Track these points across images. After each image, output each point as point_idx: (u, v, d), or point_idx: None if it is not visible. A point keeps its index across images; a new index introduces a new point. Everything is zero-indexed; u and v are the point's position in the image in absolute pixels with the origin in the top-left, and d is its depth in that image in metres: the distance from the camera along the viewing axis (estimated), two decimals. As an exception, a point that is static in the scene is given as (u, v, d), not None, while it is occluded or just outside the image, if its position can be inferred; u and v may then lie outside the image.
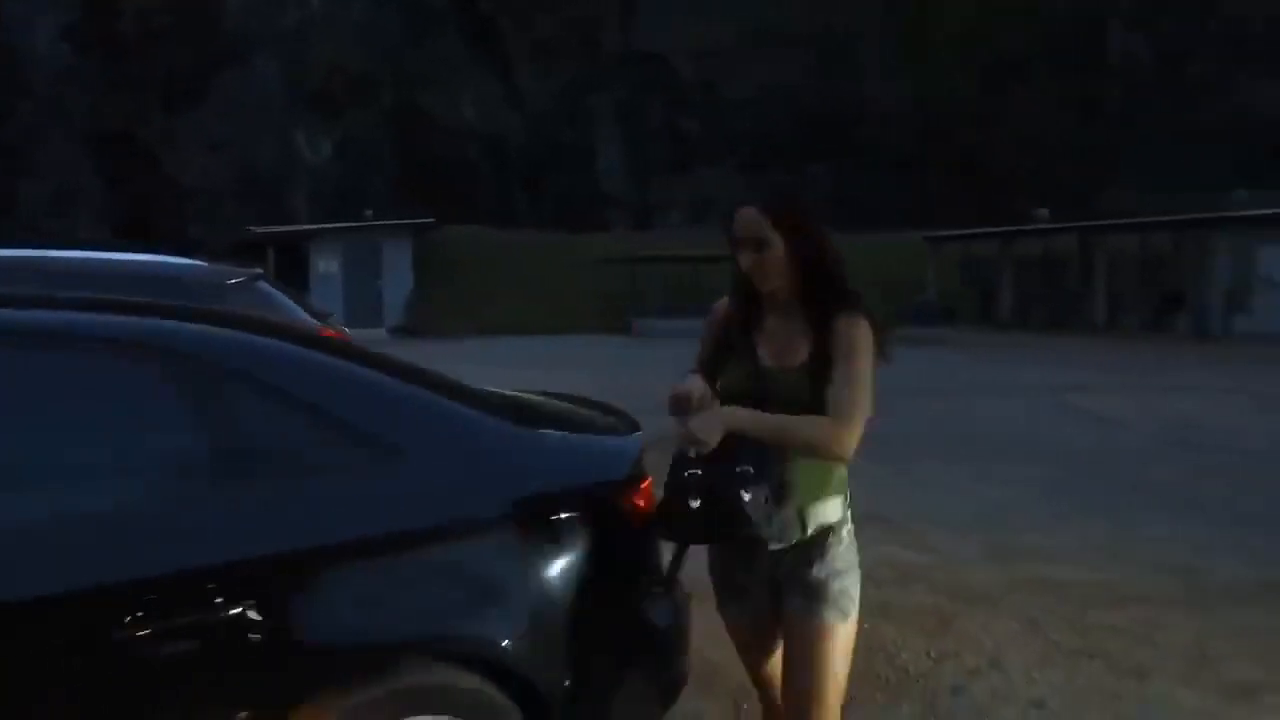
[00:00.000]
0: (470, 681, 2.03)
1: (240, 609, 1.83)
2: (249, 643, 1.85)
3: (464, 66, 62.59)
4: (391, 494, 2.05)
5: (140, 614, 1.79)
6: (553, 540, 2.15)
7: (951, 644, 3.83)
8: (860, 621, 2.24)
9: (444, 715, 1.99)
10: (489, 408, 2.35)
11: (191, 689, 1.86)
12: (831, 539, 2.15)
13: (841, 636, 2.14)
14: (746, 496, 1.95)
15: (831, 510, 2.15)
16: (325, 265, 25.06)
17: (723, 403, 2.08)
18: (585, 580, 2.17)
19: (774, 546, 2.10)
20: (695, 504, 1.99)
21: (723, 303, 2.28)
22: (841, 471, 2.16)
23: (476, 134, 61.66)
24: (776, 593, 2.18)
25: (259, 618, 1.84)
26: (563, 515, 2.17)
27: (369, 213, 28.16)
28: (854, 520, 2.25)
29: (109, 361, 2.01)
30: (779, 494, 2.04)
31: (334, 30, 58.91)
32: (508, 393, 2.65)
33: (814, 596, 2.11)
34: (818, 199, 2.23)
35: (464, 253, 26.38)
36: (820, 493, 2.13)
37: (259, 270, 5.73)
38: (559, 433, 2.44)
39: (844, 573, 2.15)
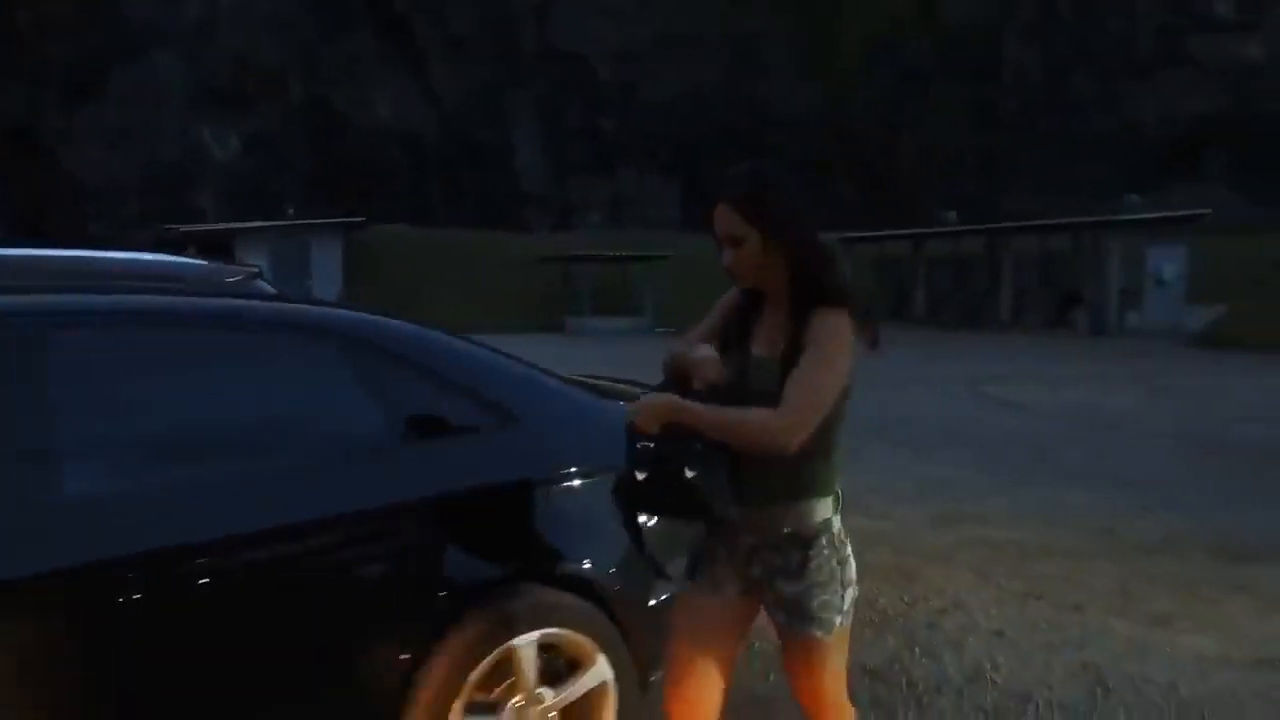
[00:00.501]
0: (570, 600, 2.46)
1: (419, 540, 2.26)
2: (421, 568, 2.26)
3: (377, 63, 61.69)
4: (513, 450, 2.47)
5: (352, 538, 2.21)
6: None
7: (919, 591, 4.39)
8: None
9: (553, 627, 2.42)
10: (573, 384, 2.78)
11: (389, 603, 2.28)
12: (811, 548, 2.00)
13: (828, 648, 2.03)
14: (690, 474, 1.87)
15: (810, 513, 2.00)
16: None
17: (714, 391, 1.96)
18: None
19: (746, 539, 2.04)
20: (641, 476, 1.92)
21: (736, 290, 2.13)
22: (825, 474, 2.00)
23: (391, 131, 60.89)
24: (749, 591, 2.09)
25: (432, 544, 2.24)
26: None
27: (291, 211, 27.81)
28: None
29: (303, 345, 2.41)
30: (735, 480, 1.94)
31: (241, 23, 57.40)
32: (576, 376, 3.09)
33: (793, 613, 2.02)
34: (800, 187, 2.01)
35: (393, 252, 26.31)
36: (795, 492, 1.99)
37: (257, 268, 5.94)
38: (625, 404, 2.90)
39: (825, 584, 2.00)
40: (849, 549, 2.08)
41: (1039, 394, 11.99)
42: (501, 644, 2.34)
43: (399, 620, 2.24)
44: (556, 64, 65.70)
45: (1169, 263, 21.63)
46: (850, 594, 2.07)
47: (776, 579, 2.02)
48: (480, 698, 2.34)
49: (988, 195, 59.74)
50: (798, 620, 2.01)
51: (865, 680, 3.40)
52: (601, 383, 3.16)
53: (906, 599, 4.27)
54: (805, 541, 2.00)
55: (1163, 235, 21.96)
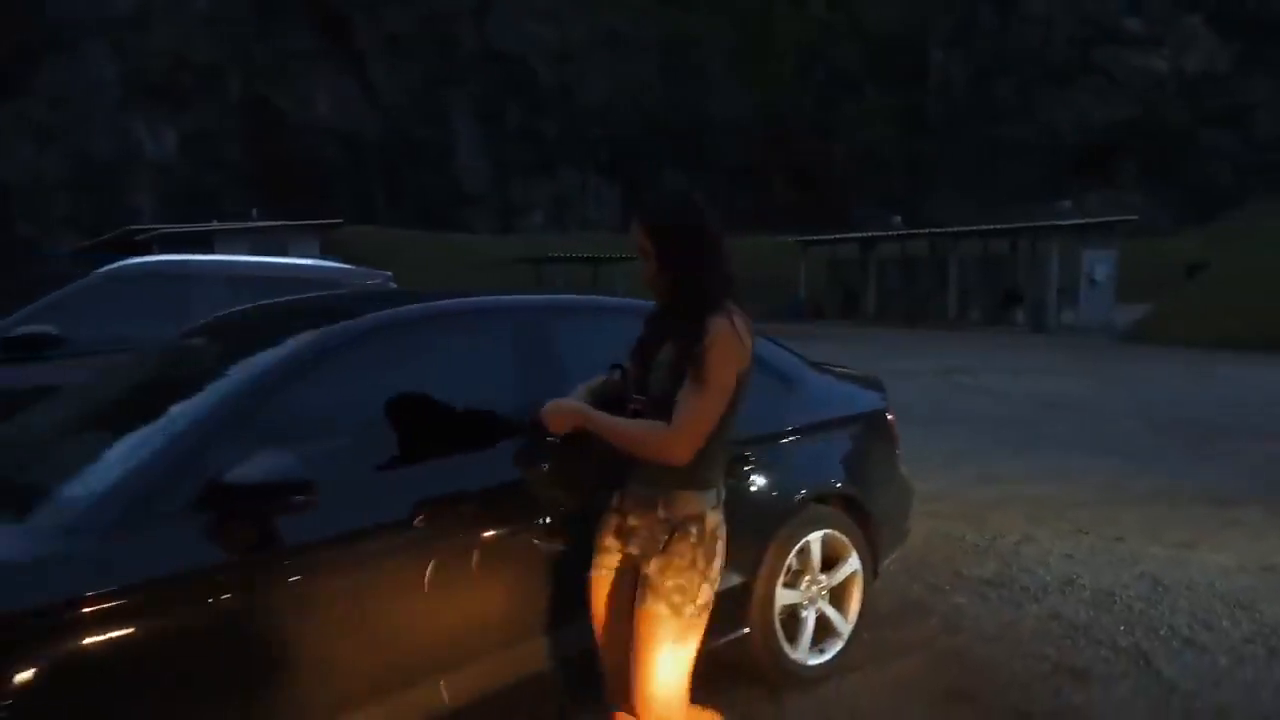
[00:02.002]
0: (836, 511, 3.46)
1: (764, 464, 3.18)
2: (765, 486, 3.20)
3: (315, 60, 61.21)
4: (796, 405, 3.46)
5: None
6: (869, 430, 3.63)
7: (992, 529, 5.48)
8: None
9: (828, 529, 3.41)
10: (815, 363, 3.79)
11: (754, 510, 3.08)
12: (677, 534, 2.13)
13: (672, 629, 2.12)
14: (543, 467, 2.07)
15: (682, 503, 2.14)
16: (231, 265, 24.78)
17: (625, 393, 2.17)
18: (881, 452, 3.66)
19: (630, 520, 2.20)
20: (545, 468, 2.09)
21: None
22: (703, 471, 2.15)
23: (331, 130, 60.57)
24: (633, 572, 2.22)
25: (769, 469, 3.19)
26: (871, 418, 3.65)
27: (255, 212, 27.90)
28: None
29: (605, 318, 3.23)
30: (607, 474, 2.13)
31: (175, 18, 56.38)
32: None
33: (646, 586, 2.14)
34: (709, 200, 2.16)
35: (368, 252, 26.69)
36: (671, 483, 2.13)
37: (389, 274, 6.71)
38: (861, 379, 3.96)
39: (682, 569, 2.12)
40: (719, 547, 2.20)
41: (1006, 382, 13.38)
42: (800, 540, 3.32)
43: (759, 521, 3.19)
44: (495, 64, 66.12)
45: (1101, 264, 23.58)
46: (707, 590, 2.16)
47: (645, 557, 2.17)
48: (788, 577, 3.33)
49: (914, 197, 62.26)
50: (650, 594, 2.13)
51: (986, 588, 4.47)
52: (850, 371, 4.19)
53: (986, 535, 5.36)
54: (674, 527, 2.14)
55: (1094, 239, 23.90)
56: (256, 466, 2.01)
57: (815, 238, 29.38)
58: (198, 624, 2.00)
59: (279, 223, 26.26)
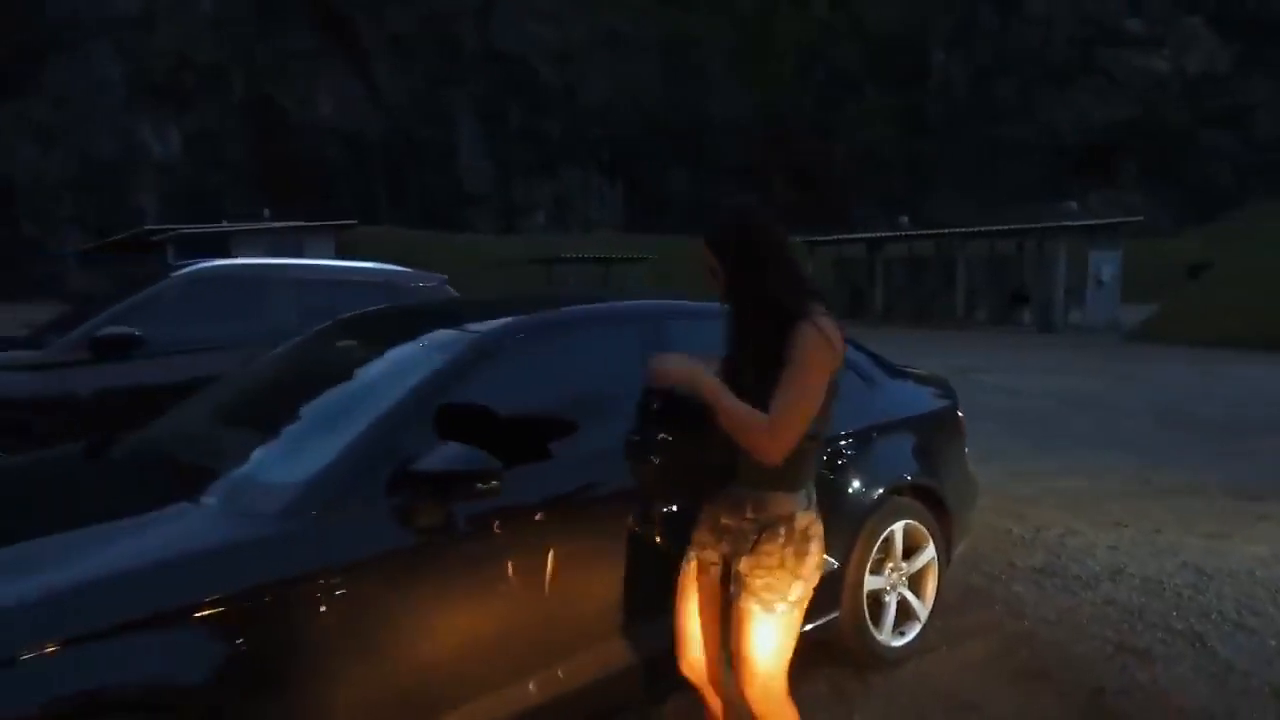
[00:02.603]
0: (916, 503, 3.69)
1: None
2: (856, 478, 3.43)
3: (318, 60, 61.33)
4: (879, 403, 3.69)
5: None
6: (942, 427, 3.87)
7: (1034, 523, 5.72)
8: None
9: (909, 519, 3.65)
10: (891, 364, 4.02)
11: (847, 500, 3.34)
12: (766, 534, 2.20)
13: (765, 624, 2.20)
14: (655, 460, 2.16)
15: (773, 504, 2.21)
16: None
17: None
18: (953, 448, 3.90)
19: (723, 520, 2.29)
20: (656, 461, 2.17)
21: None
22: (794, 473, 2.20)
23: (334, 129, 60.71)
24: (722, 564, 2.33)
25: (859, 461, 3.43)
26: (943, 416, 3.90)
27: (267, 212, 28.09)
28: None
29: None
30: (670, 474, 2.20)
31: (178, 18, 56.47)
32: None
33: (739, 585, 2.22)
34: (775, 210, 2.19)
35: (381, 252, 26.84)
36: (763, 484, 2.20)
37: (444, 277, 6.93)
38: (931, 379, 4.19)
39: (772, 569, 2.19)
40: (813, 546, 2.25)
41: (1024, 381, 13.63)
42: (886, 529, 3.55)
43: (850, 511, 3.42)
44: (497, 64, 66.30)
45: (1107, 265, 23.86)
46: (800, 586, 2.22)
47: (736, 556, 2.25)
48: (874, 564, 3.56)
49: (915, 197, 62.53)
50: (742, 591, 2.22)
51: (1040, 577, 4.71)
52: (921, 373, 4.42)
53: (1030, 528, 5.60)
54: (762, 527, 2.21)
55: (1099, 240, 24.18)
56: (440, 456, 2.24)
57: (822, 238, 29.62)
58: (387, 600, 2.23)
59: (295, 223, 26.43)
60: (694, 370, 2.14)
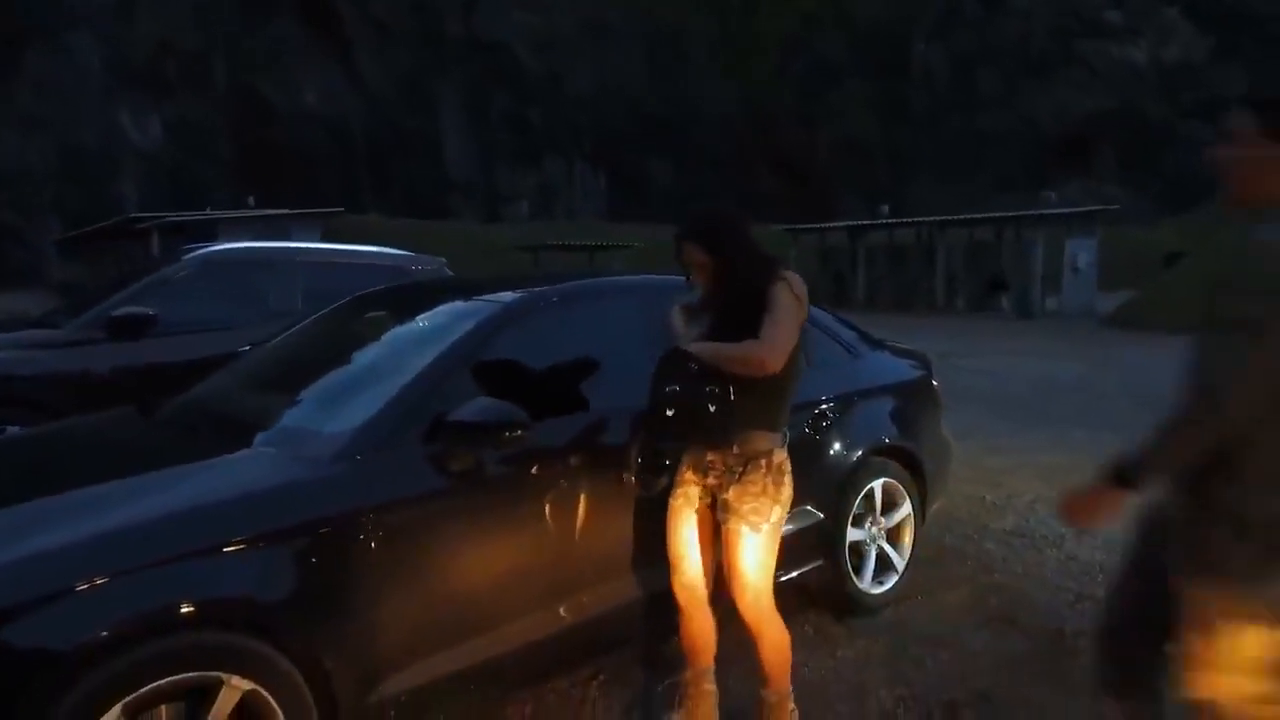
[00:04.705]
0: (893, 462, 4.00)
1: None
2: (838, 438, 3.72)
3: (301, 48, 60.92)
4: (861, 371, 3.99)
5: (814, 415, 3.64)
6: (919, 395, 4.19)
7: (1008, 490, 6.06)
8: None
9: (887, 478, 3.95)
10: (873, 338, 4.32)
11: (828, 458, 3.65)
12: (749, 465, 2.62)
13: (752, 543, 2.61)
14: (712, 408, 2.51)
15: (756, 440, 2.62)
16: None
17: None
18: (929, 414, 4.22)
19: (709, 457, 2.67)
20: (670, 414, 2.55)
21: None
22: (773, 414, 2.64)
23: (318, 118, 60.36)
24: (707, 497, 2.72)
25: (841, 423, 3.72)
26: (920, 384, 4.22)
27: (251, 200, 28.10)
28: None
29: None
30: (726, 414, 2.53)
31: (160, 6, 55.93)
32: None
33: (727, 510, 2.64)
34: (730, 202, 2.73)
35: (369, 240, 27.00)
36: (747, 424, 2.59)
37: (443, 259, 7.18)
38: (908, 353, 4.50)
39: (756, 495, 2.61)
40: (787, 478, 2.69)
41: (1003, 364, 14.02)
42: (866, 486, 3.86)
43: (833, 468, 3.72)
44: (482, 53, 66.11)
45: (1083, 253, 24.32)
46: (779, 511, 2.66)
47: (724, 487, 2.66)
48: (854, 518, 3.87)
49: (897, 187, 62.97)
50: (730, 516, 2.63)
51: (1010, 537, 5.04)
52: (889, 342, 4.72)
53: (1004, 495, 5.94)
54: (746, 460, 2.63)
55: (1076, 228, 24.64)
56: (473, 408, 2.52)
57: (805, 226, 29.99)
58: (424, 534, 2.51)
59: (281, 211, 26.49)
60: (692, 350, 2.58)
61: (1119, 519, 2.16)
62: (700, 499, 2.74)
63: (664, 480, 2.79)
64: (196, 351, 5.32)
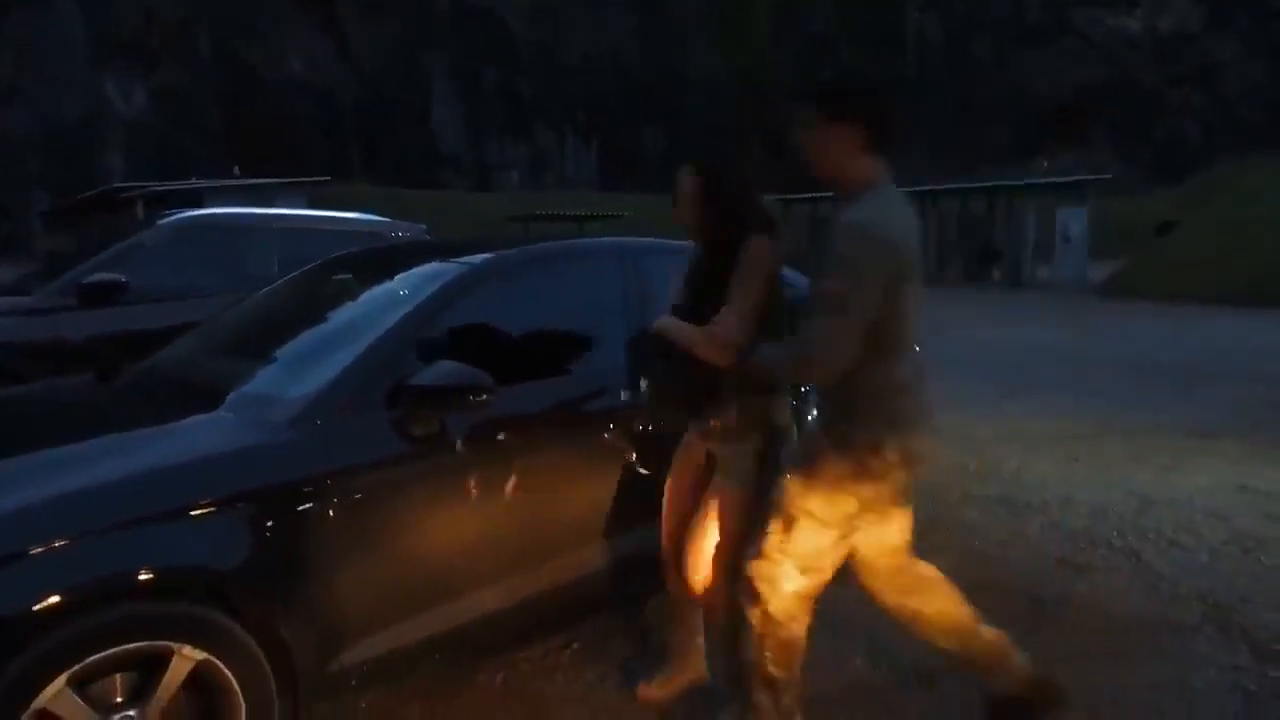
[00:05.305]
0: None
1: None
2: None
3: (288, 17, 60.13)
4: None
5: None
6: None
7: (994, 459, 6.02)
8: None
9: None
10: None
11: None
12: (744, 430, 2.57)
13: (741, 502, 2.56)
14: (643, 385, 2.56)
15: (753, 406, 2.57)
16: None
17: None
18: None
19: (712, 423, 2.62)
20: (645, 390, 2.58)
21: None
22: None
23: (305, 87, 59.69)
24: (707, 462, 2.68)
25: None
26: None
27: (236, 170, 27.79)
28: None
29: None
30: (700, 390, 2.52)
31: (144, -27, 55.00)
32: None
33: (722, 470, 2.62)
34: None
35: (356, 210, 26.78)
36: (745, 390, 2.54)
37: (424, 226, 7.07)
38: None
39: (747, 454, 2.57)
40: (785, 440, 2.65)
41: (994, 333, 13.98)
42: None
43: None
44: (472, 22, 65.32)
45: (1074, 222, 24.23)
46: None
47: (724, 446, 2.63)
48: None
49: (890, 156, 62.63)
50: (723, 475, 2.61)
51: (994, 505, 5.01)
52: None
53: (989, 463, 5.90)
54: (746, 424, 2.58)
55: (1068, 198, 24.54)
56: (435, 372, 2.45)
57: (797, 196, 29.79)
58: (386, 499, 2.44)
59: (267, 180, 26.19)
60: (668, 324, 2.56)
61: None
62: (696, 463, 2.73)
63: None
64: (170, 319, 5.21)
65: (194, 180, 28.28)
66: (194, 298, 5.53)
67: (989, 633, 2.67)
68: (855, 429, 2.34)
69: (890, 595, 2.64)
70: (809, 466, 2.38)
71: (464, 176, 63.12)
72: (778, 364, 2.39)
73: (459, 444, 2.57)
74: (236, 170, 28.12)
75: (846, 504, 2.35)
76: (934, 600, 2.66)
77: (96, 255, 5.75)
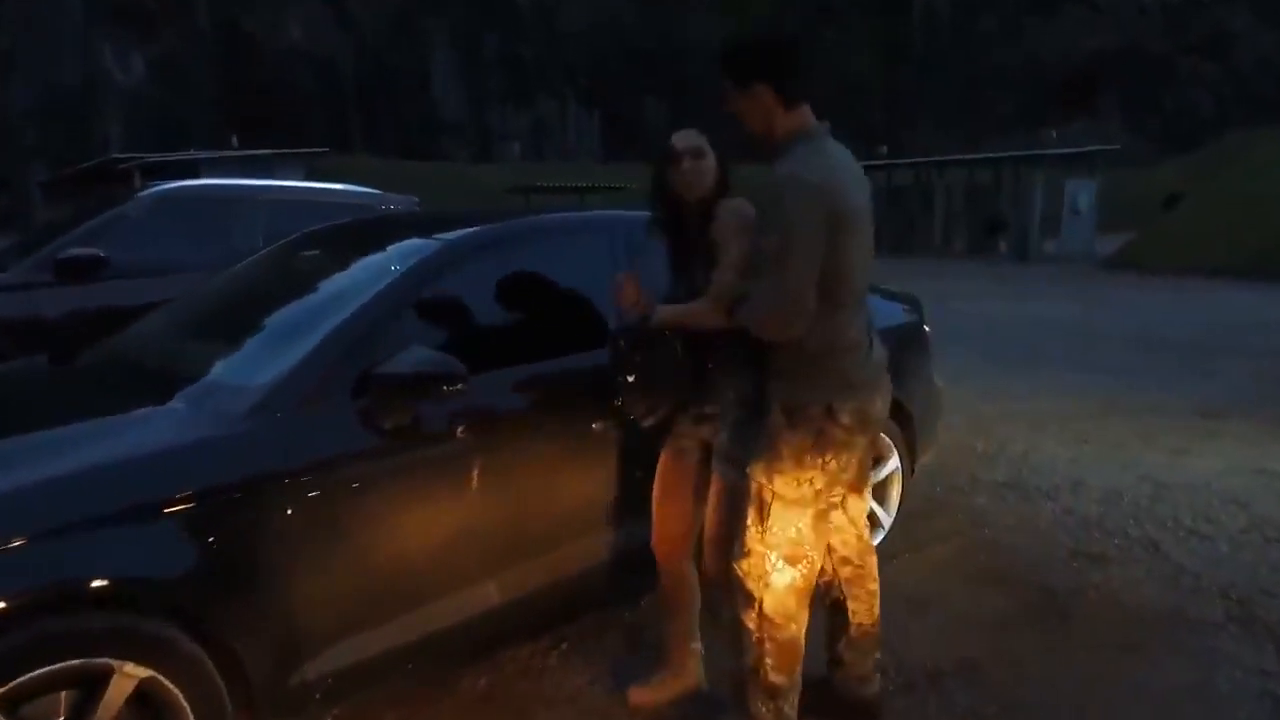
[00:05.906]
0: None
1: None
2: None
3: (286, -16, 59.28)
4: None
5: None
6: (908, 342, 3.92)
7: (1000, 439, 5.83)
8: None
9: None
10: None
11: None
12: (743, 412, 2.42)
13: (739, 491, 2.39)
14: (629, 378, 2.44)
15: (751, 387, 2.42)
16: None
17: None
18: (918, 361, 3.96)
19: (706, 408, 2.49)
20: (630, 380, 2.43)
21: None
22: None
23: (304, 56, 59.02)
24: (701, 450, 2.53)
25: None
26: (909, 330, 3.94)
27: (235, 140, 27.46)
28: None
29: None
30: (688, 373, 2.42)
31: (139, -61, 54.17)
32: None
33: (718, 456, 2.47)
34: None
35: (356, 180, 26.47)
36: (740, 372, 2.43)
37: (415, 198, 6.86)
38: (898, 295, 4.20)
39: (745, 439, 2.39)
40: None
41: (1001, 308, 13.74)
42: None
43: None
44: (472, -12, 64.43)
45: (1083, 194, 23.86)
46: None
47: (719, 434, 2.49)
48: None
49: (896, 128, 61.99)
50: (719, 461, 2.48)
51: (1002, 489, 4.82)
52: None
53: (996, 443, 5.71)
54: (743, 406, 2.45)
55: (1076, 169, 24.15)
56: (406, 360, 2.25)
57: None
58: (353, 497, 2.26)
59: (264, 151, 25.86)
60: (651, 307, 2.43)
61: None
62: (689, 453, 2.58)
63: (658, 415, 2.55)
64: (151, 295, 5.01)
65: (192, 151, 27.97)
66: (176, 273, 5.33)
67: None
68: (805, 393, 2.27)
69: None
70: (768, 447, 2.29)
71: (466, 146, 62.61)
72: (747, 323, 2.27)
73: (431, 437, 2.38)
74: (235, 140, 27.76)
75: (813, 478, 2.27)
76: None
77: (74, 229, 5.55)
